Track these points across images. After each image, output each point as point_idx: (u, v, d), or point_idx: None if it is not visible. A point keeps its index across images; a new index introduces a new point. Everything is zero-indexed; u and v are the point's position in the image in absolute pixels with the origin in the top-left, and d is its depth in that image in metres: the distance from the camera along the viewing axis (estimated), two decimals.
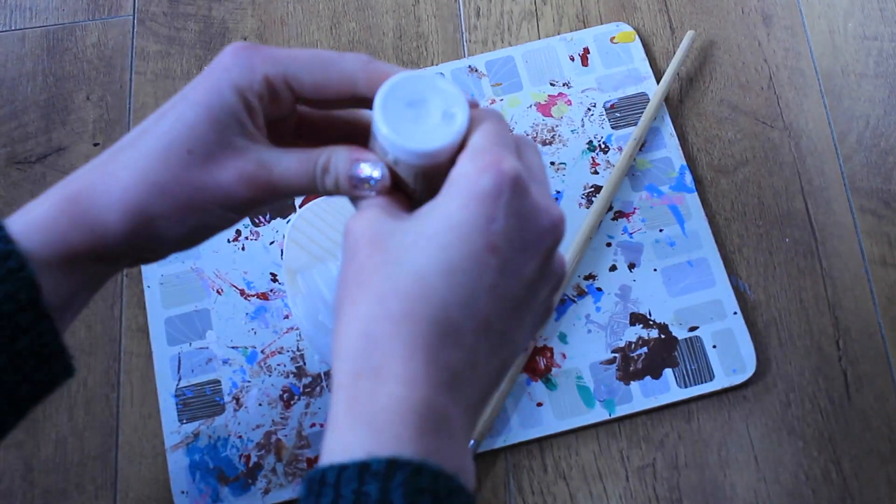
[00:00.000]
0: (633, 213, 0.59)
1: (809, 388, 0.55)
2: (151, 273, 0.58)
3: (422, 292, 0.30)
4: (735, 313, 0.56)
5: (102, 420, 0.55)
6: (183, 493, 0.53)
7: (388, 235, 0.32)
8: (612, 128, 0.61)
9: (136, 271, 0.58)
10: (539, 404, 0.54)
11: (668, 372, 0.55)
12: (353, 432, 0.29)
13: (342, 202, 0.59)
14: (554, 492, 0.53)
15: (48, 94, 0.64)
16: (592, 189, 0.59)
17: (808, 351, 0.56)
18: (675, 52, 0.64)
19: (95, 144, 0.63)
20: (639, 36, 0.64)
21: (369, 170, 0.34)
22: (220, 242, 0.59)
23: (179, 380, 0.55)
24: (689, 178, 0.60)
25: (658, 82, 0.62)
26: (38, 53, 0.65)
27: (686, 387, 0.54)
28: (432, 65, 0.64)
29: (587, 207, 0.59)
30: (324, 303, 0.56)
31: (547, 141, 0.61)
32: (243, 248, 0.59)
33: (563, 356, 0.55)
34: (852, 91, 0.62)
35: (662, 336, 0.56)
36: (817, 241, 0.58)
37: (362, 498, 0.27)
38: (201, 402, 0.55)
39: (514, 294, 0.33)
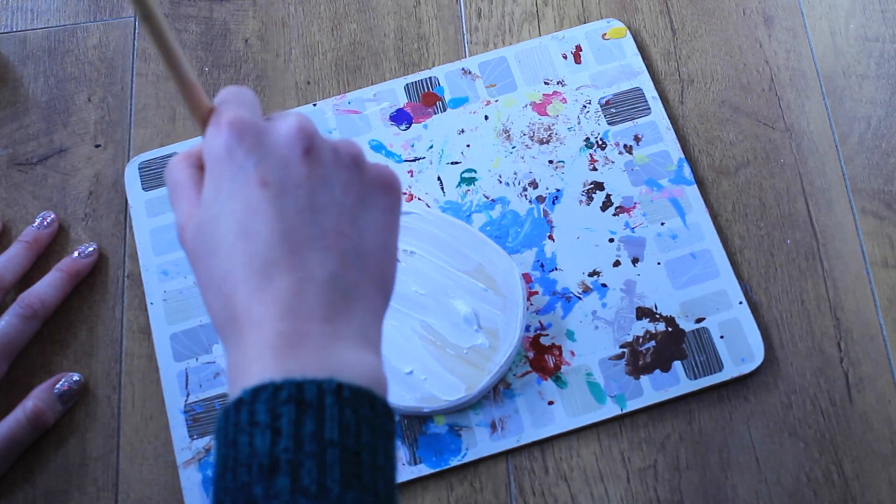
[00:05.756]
0: (634, 207, 0.59)
1: (811, 389, 0.55)
2: (154, 290, 0.58)
3: (235, 261, 0.35)
4: (741, 303, 0.56)
5: (104, 421, 0.55)
6: None
7: (197, 238, 0.36)
8: (609, 124, 0.61)
9: (136, 272, 0.59)
10: (550, 403, 0.54)
11: (677, 364, 0.55)
12: (233, 385, 0.34)
13: None
14: (555, 493, 0.53)
15: (49, 96, 0.64)
16: (592, 185, 0.59)
17: (810, 352, 0.56)
18: (676, 54, 0.64)
19: (97, 146, 0.63)
20: (641, 37, 0.64)
21: None
22: None
23: (188, 395, 0.55)
24: (687, 170, 0.60)
25: (654, 82, 0.62)
26: (40, 55, 0.65)
27: (695, 378, 0.54)
28: (433, 66, 0.64)
29: (588, 204, 0.59)
30: None
31: (544, 140, 0.61)
32: None
33: (572, 353, 0.55)
34: (854, 92, 0.62)
35: (669, 329, 0.56)
36: (819, 242, 0.58)
37: (232, 427, 0.32)
38: (211, 416, 0.55)
39: (300, 202, 0.36)
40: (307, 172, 0.36)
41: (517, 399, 0.54)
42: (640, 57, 0.63)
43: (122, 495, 0.54)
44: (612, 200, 0.59)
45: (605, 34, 0.64)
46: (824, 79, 0.63)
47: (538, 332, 0.56)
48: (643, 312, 0.56)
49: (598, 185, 0.60)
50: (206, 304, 0.37)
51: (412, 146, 0.61)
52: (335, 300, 0.35)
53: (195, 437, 0.54)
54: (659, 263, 0.57)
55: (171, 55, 0.36)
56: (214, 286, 0.36)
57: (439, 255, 0.56)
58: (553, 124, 0.61)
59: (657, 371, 0.55)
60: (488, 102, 0.62)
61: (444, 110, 0.62)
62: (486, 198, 0.60)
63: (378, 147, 0.61)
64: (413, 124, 0.62)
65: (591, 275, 0.57)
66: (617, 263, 0.58)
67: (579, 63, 0.63)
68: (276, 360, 0.33)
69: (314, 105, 0.62)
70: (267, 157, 0.36)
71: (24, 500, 0.54)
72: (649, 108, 0.61)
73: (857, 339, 0.56)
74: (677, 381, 0.54)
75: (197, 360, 0.56)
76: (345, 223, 0.36)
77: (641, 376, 0.55)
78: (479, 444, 0.54)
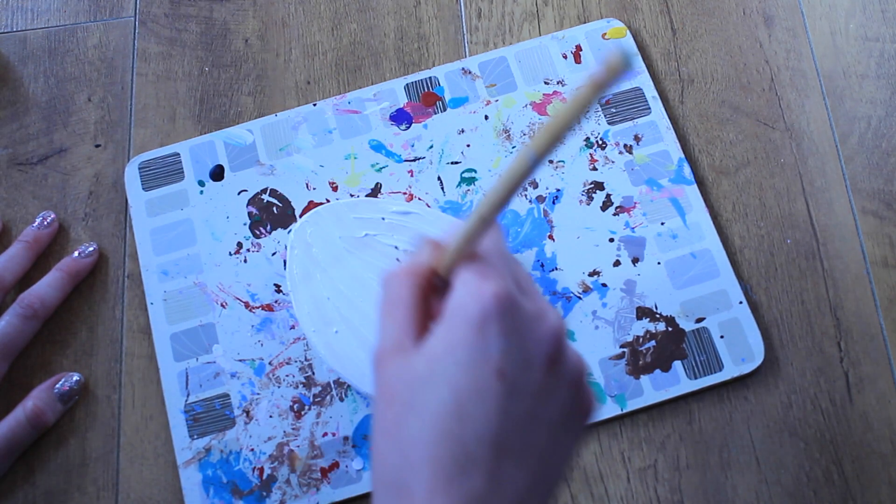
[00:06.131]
0: (634, 207, 0.59)
1: (811, 389, 0.55)
2: (154, 289, 0.58)
3: (436, 436, 0.33)
4: (741, 303, 0.56)
5: (104, 421, 0.55)
6: None
7: (402, 383, 0.34)
8: (609, 123, 0.61)
9: (136, 272, 0.59)
10: None
11: (677, 364, 0.55)
12: None
13: (344, 209, 0.59)
14: (555, 493, 0.53)
15: (49, 96, 0.64)
16: (592, 185, 0.59)
17: (810, 352, 0.56)
18: (676, 54, 0.64)
19: (97, 146, 0.63)
20: (641, 37, 0.64)
21: None
22: (222, 255, 0.59)
23: (188, 395, 0.55)
24: (687, 170, 0.60)
25: (654, 82, 0.62)
26: (40, 55, 0.65)
27: (696, 378, 0.54)
28: (433, 66, 0.64)
29: (588, 204, 0.59)
30: (331, 310, 0.56)
31: None
32: (245, 261, 0.58)
33: None
34: (854, 92, 0.62)
35: (670, 329, 0.56)
36: (819, 242, 0.58)
37: None
38: (211, 416, 0.55)
39: (525, 409, 0.34)
40: (543, 382, 0.34)
41: None
42: (640, 57, 0.63)
43: (122, 495, 0.54)
44: (613, 200, 0.59)
45: (605, 34, 0.64)
46: (824, 79, 0.63)
47: None
48: (643, 312, 0.56)
49: (599, 185, 0.60)
50: (375, 448, 0.35)
51: (412, 146, 0.61)
52: None
53: (195, 437, 0.54)
54: (659, 263, 0.57)
55: (505, 204, 0.34)
56: (397, 442, 0.34)
57: None
58: None
59: (657, 371, 0.55)
60: (488, 102, 0.62)
61: (444, 110, 0.62)
62: None
63: (378, 147, 0.61)
64: (413, 124, 0.62)
65: (591, 274, 0.57)
66: (617, 263, 0.58)
67: (579, 63, 0.63)
68: None
69: (314, 105, 0.62)
70: (515, 350, 0.33)
71: (24, 500, 0.54)
72: (649, 108, 0.61)
73: (857, 339, 0.56)
74: (677, 381, 0.55)
75: (197, 360, 0.56)
76: (548, 445, 0.35)
77: (641, 376, 0.55)
78: None
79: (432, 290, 0.36)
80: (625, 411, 0.54)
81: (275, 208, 0.60)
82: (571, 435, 0.36)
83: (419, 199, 0.60)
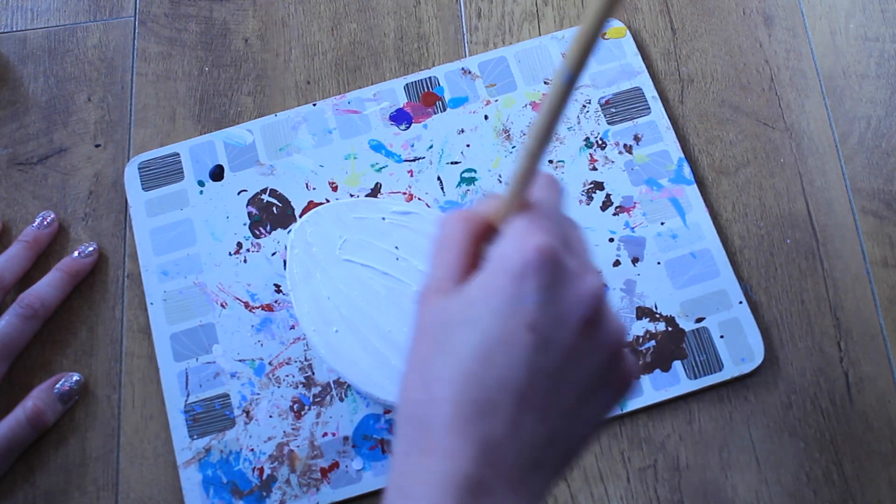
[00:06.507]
0: (634, 207, 0.59)
1: (811, 389, 0.55)
2: (154, 290, 0.58)
3: (462, 377, 0.33)
4: (741, 302, 0.56)
5: (104, 421, 0.55)
6: None
7: (437, 322, 0.35)
8: (609, 123, 0.61)
9: (136, 272, 0.59)
10: None
11: (677, 364, 0.55)
12: (397, 491, 0.33)
13: (344, 209, 0.59)
14: (555, 493, 0.53)
15: (49, 96, 0.64)
16: (592, 185, 0.59)
17: (810, 352, 0.56)
18: (676, 54, 0.64)
19: (97, 146, 0.63)
20: (641, 37, 0.64)
21: None
22: (221, 255, 0.59)
23: (188, 395, 0.55)
24: (687, 170, 0.60)
25: (654, 81, 0.62)
26: (40, 55, 0.65)
27: (696, 378, 0.55)
28: (433, 66, 0.64)
29: (587, 204, 0.59)
30: (331, 309, 0.56)
31: None
32: (245, 261, 0.58)
33: None
34: (854, 92, 0.62)
35: (670, 329, 0.56)
36: (819, 242, 0.58)
37: None
38: (211, 416, 0.55)
39: (553, 366, 0.34)
40: (575, 341, 0.34)
41: None
42: (639, 56, 0.63)
43: (122, 495, 0.54)
44: (612, 200, 0.59)
45: (604, 34, 0.64)
46: (824, 78, 0.63)
47: None
48: (643, 312, 0.56)
49: (598, 185, 0.60)
50: (403, 381, 0.35)
51: (412, 146, 0.61)
52: (526, 470, 0.34)
53: (195, 437, 0.54)
54: (659, 263, 0.57)
55: (549, 135, 0.34)
56: (424, 378, 0.34)
57: None
58: None
59: (657, 371, 0.55)
60: (488, 102, 0.62)
61: (444, 110, 0.62)
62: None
63: (378, 147, 0.61)
64: (413, 124, 0.62)
65: None
66: (617, 263, 0.58)
67: None
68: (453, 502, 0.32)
69: (314, 105, 0.62)
70: (550, 305, 0.34)
71: (24, 500, 0.54)
72: (649, 108, 0.61)
73: (857, 339, 0.56)
74: (677, 381, 0.55)
75: (197, 360, 0.56)
76: (574, 406, 0.35)
77: (641, 376, 0.55)
78: None
79: (486, 240, 0.37)
80: (625, 411, 0.54)
81: (275, 208, 0.60)
82: (602, 401, 0.36)
83: (419, 199, 0.60)
